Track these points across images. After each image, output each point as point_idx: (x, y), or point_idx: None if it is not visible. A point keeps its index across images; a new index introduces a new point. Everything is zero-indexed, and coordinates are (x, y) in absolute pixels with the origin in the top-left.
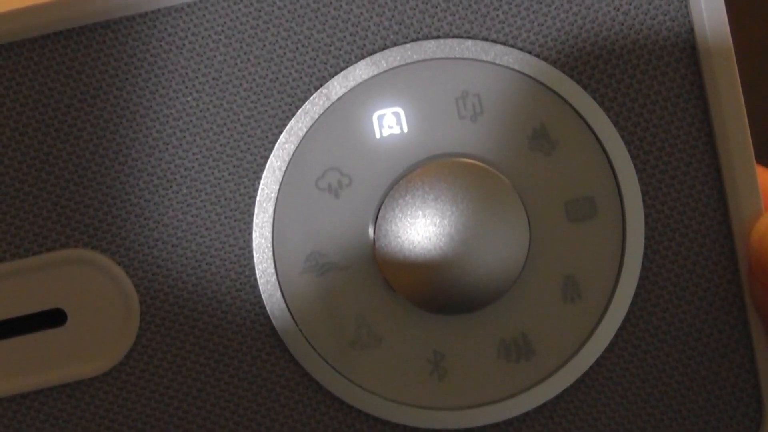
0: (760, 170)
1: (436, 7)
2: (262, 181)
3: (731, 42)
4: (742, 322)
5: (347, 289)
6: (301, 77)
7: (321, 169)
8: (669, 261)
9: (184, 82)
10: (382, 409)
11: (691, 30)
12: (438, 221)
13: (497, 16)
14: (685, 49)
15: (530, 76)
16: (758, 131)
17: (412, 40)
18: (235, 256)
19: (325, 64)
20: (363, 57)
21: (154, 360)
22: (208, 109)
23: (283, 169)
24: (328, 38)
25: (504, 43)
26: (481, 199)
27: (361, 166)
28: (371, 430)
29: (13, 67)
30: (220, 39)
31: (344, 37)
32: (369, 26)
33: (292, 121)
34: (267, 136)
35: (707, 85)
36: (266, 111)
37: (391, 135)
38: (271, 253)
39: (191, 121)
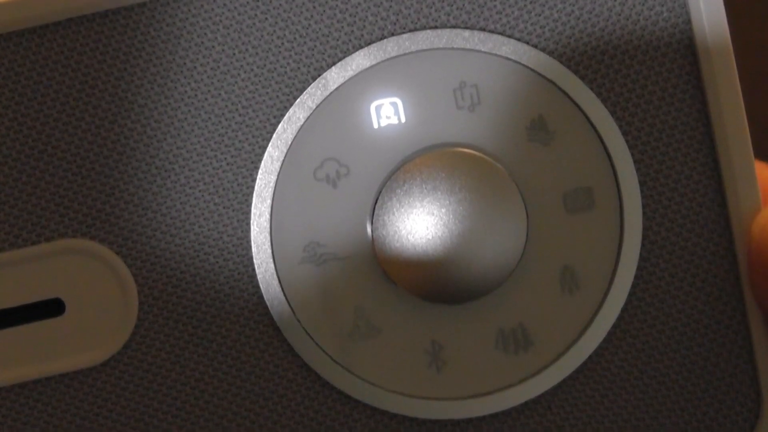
0: (759, 166)
1: None
2: (260, 171)
3: (727, 27)
4: (740, 313)
5: (345, 279)
6: (299, 67)
7: (319, 159)
8: (667, 251)
9: (182, 71)
10: (380, 400)
11: (689, 20)
12: (436, 211)
13: (495, 6)
14: (683, 39)
15: (528, 67)
16: (758, 131)
17: (410, 31)
18: (234, 246)
19: (323, 54)
20: (361, 47)
21: (153, 350)
22: (206, 98)
23: (281, 159)
24: (326, 28)
25: (502, 34)
26: (479, 189)
27: (359, 156)
28: (369, 421)
29: (12, 57)
30: (218, 29)
31: (342, 27)
32: (367, 16)
33: (290, 111)
34: (265, 126)
35: (705, 75)
36: (264, 101)
37: (389, 125)
38: (269, 243)
39: (189, 111)
